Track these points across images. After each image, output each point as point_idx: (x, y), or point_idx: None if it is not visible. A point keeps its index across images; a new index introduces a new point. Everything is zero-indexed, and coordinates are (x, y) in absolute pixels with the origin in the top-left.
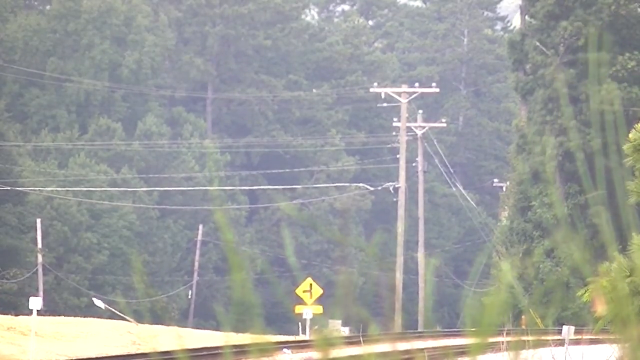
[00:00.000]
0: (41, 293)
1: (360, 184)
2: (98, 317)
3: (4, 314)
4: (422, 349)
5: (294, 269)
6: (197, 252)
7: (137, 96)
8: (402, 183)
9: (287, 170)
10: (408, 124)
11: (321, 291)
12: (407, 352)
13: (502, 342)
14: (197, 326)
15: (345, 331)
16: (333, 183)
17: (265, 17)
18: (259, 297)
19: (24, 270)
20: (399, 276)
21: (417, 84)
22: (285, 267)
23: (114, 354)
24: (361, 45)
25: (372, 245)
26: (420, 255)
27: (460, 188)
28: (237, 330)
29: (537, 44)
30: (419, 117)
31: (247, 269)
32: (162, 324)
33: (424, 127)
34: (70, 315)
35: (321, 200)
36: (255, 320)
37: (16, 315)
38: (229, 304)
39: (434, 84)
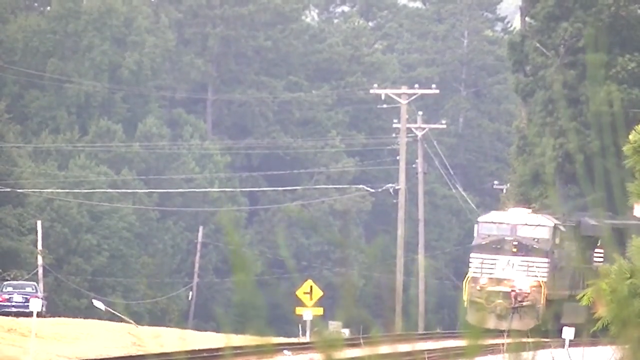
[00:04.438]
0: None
1: (361, 186)
2: (98, 319)
3: (4, 316)
4: (422, 351)
5: (291, 270)
6: (198, 253)
7: (137, 97)
8: (402, 184)
9: (288, 171)
10: (408, 125)
11: (321, 293)
12: (407, 353)
13: (503, 344)
14: (198, 328)
15: (346, 333)
16: (333, 184)
17: (266, 18)
18: (260, 298)
19: (24, 272)
20: (399, 278)
21: (417, 85)
22: (285, 269)
23: (114, 355)
24: (361, 47)
25: (373, 249)
26: (421, 257)
27: (461, 189)
28: (237, 331)
29: (537, 45)
30: (419, 119)
31: (250, 270)
32: (163, 326)
33: (424, 129)
34: (71, 317)
35: (321, 201)
36: (257, 322)
37: (16, 316)
38: (229, 305)
39: (434, 85)
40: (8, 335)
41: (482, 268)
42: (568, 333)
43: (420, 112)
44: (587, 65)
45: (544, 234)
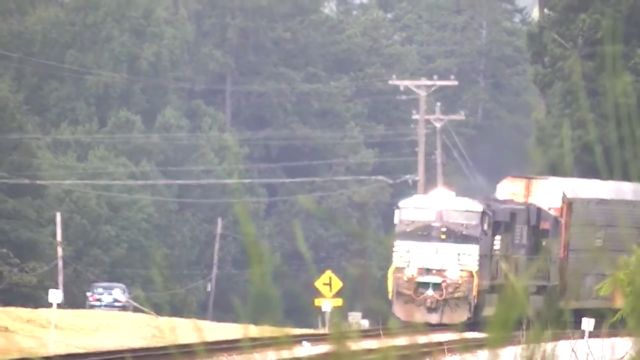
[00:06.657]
0: (61, 286)
1: (379, 177)
2: (118, 310)
3: (23, 307)
4: (441, 342)
5: (307, 262)
6: (216, 245)
7: (156, 89)
8: (421, 175)
9: (306, 162)
10: (427, 117)
11: (341, 284)
12: (426, 345)
13: (521, 335)
14: (217, 319)
15: (365, 324)
16: (352, 176)
17: (284, 10)
18: (278, 289)
19: (43, 264)
20: None
21: (435, 77)
22: (304, 260)
23: (133, 346)
24: (380, 38)
25: (388, 240)
26: None
27: (480, 181)
28: (256, 323)
29: (556, 36)
30: (438, 110)
31: (267, 262)
32: (182, 317)
33: (442, 120)
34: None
35: (340, 193)
36: (275, 313)
37: (36, 308)
38: (248, 297)
39: (452, 77)
40: (27, 326)
41: (409, 257)
42: (588, 324)
43: (438, 104)
44: (604, 56)
45: (473, 219)
